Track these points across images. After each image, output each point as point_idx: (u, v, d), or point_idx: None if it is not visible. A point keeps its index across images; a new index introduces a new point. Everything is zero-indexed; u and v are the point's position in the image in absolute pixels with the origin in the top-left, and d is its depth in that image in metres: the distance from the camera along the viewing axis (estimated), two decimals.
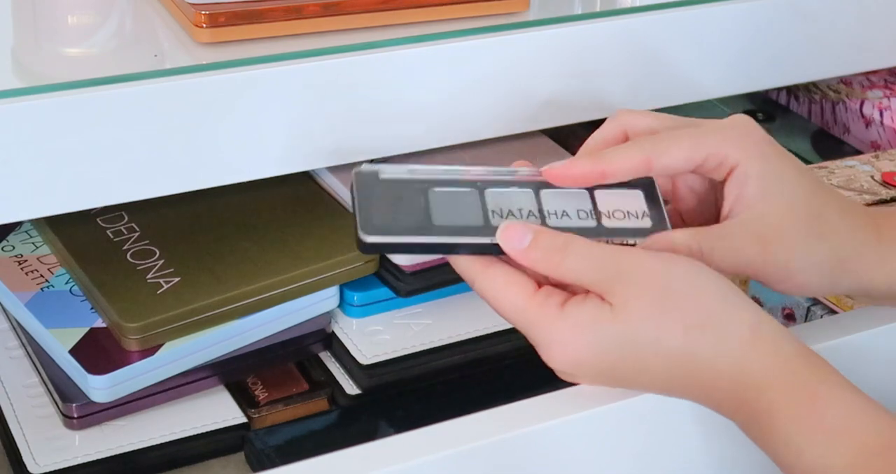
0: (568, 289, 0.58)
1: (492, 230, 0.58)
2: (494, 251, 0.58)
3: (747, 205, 0.60)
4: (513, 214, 0.59)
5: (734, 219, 0.60)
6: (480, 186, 0.60)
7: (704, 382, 0.56)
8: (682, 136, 0.60)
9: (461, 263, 0.59)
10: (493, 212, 0.59)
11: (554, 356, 0.57)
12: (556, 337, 0.57)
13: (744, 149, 0.60)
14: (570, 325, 0.56)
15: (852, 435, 0.54)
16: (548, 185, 0.61)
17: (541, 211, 0.60)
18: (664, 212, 0.61)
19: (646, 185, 0.61)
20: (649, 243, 0.59)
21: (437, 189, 0.60)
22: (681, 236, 0.59)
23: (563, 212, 0.60)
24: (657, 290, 0.56)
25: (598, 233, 0.59)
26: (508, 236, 0.58)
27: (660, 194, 0.61)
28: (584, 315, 0.56)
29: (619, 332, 0.56)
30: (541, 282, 0.58)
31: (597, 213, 0.60)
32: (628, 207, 0.61)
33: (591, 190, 0.61)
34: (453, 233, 0.58)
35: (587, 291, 0.57)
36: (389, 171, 0.60)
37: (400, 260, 0.78)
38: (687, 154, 0.60)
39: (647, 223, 0.60)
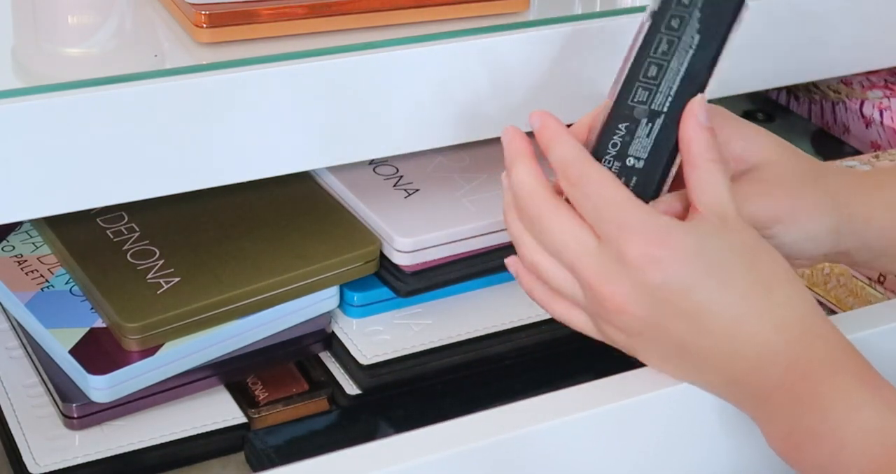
0: None
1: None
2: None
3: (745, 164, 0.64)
4: None
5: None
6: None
7: (775, 318, 0.57)
8: None
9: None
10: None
11: (648, 243, 0.57)
12: (665, 227, 0.57)
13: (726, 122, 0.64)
14: (684, 226, 0.58)
15: None
16: None
17: None
18: None
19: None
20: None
21: None
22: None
23: None
24: (755, 237, 0.59)
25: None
26: (699, 105, 0.60)
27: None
28: (699, 223, 0.58)
29: (721, 246, 0.58)
30: None
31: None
32: None
33: None
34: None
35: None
36: None
37: (400, 260, 0.79)
38: None
39: None
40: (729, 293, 0.57)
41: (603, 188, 0.58)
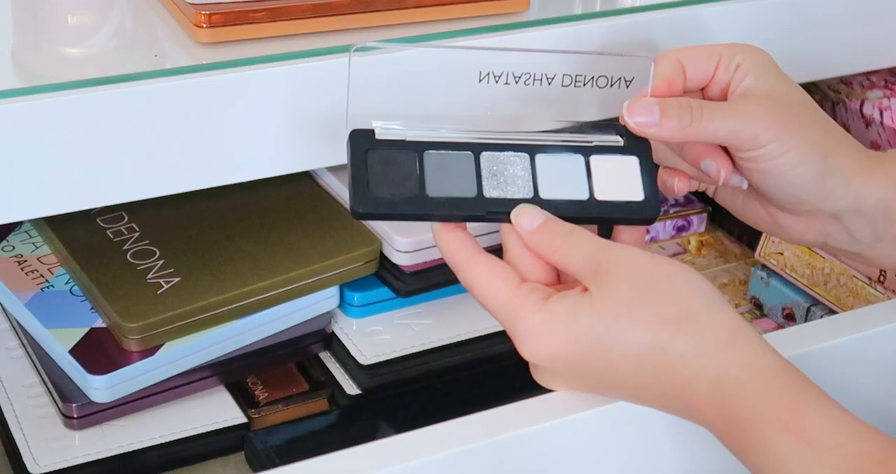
0: (554, 288, 0.60)
1: (484, 203, 0.60)
2: (484, 220, 0.61)
3: (747, 90, 0.64)
4: (506, 183, 0.61)
5: (734, 96, 0.64)
6: (476, 149, 0.62)
7: (678, 383, 0.56)
8: (699, 45, 0.66)
9: (448, 250, 0.61)
10: (486, 179, 0.61)
11: (530, 348, 0.58)
12: (534, 328, 0.57)
13: (751, 55, 0.65)
14: (549, 318, 0.57)
15: (839, 449, 0.53)
16: (543, 149, 0.62)
17: (534, 179, 0.61)
18: (656, 182, 0.63)
19: (642, 151, 0.63)
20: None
21: (431, 152, 0.61)
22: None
23: (557, 181, 0.61)
24: (638, 283, 0.57)
25: (589, 207, 0.61)
26: (521, 215, 0.60)
27: (654, 162, 0.63)
28: (563, 307, 0.57)
29: (593, 322, 0.56)
30: (524, 278, 0.60)
31: (590, 184, 0.62)
32: (622, 176, 0.62)
33: (587, 155, 0.62)
34: (446, 206, 0.60)
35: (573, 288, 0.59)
36: (386, 130, 0.62)
37: (400, 260, 0.79)
38: (706, 53, 0.64)
39: (639, 195, 0.62)
40: (619, 366, 0.57)
41: (483, 286, 0.60)
